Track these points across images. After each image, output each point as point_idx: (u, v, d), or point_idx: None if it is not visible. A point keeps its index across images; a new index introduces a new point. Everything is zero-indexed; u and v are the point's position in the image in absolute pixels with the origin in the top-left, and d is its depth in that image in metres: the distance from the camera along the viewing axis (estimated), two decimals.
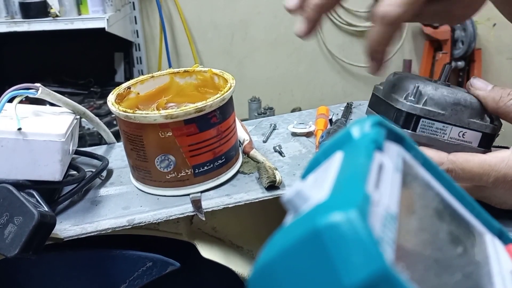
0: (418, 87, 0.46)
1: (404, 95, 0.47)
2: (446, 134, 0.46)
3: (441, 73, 0.49)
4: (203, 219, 0.49)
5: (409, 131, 0.47)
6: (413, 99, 0.46)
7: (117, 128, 0.56)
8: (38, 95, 0.50)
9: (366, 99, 0.85)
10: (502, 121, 0.48)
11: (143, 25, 2.18)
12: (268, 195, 0.51)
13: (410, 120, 0.46)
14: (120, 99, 0.55)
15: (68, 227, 0.47)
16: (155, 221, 0.48)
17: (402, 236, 0.19)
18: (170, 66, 2.15)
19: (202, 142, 0.50)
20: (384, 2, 0.43)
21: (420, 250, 0.21)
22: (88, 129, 1.73)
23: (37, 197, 0.44)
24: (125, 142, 0.52)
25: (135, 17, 2.11)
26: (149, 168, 0.51)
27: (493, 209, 0.49)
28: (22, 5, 1.75)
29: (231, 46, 2.26)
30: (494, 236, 0.28)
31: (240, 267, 0.54)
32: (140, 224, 0.48)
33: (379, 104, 0.53)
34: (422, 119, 0.46)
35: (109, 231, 0.47)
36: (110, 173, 0.58)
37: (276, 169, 0.53)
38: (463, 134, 0.47)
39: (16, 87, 0.48)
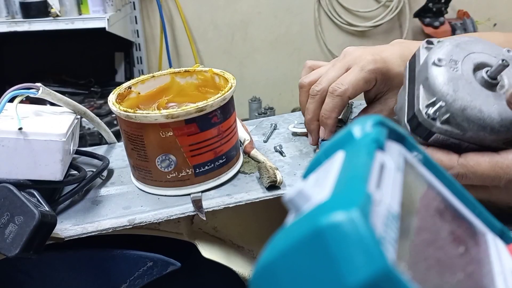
0: (443, 104, 0.40)
1: (429, 101, 0.41)
2: (460, 148, 0.42)
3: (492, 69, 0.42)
4: (204, 219, 0.48)
5: (420, 138, 0.42)
6: (432, 114, 0.41)
7: (117, 128, 0.56)
8: (39, 95, 0.50)
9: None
10: None
11: (143, 25, 2.18)
12: (269, 195, 0.51)
13: (423, 130, 0.42)
14: (121, 98, 0.55)
15: (68, 227, 0.47)
16: (156, 221, 0.48)
17: (404, 236, 0.19)
18: (170, 66, 2.15)
19: (203, 141, 0.50)
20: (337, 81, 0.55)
21: (421, 250, 0.21)
22: (89, 129, 1.73)
23: (38, 196, 0.44)
24: (125, 142, 0.52)
25: (135, 17, 2.11)
26: (150, 168, 0.51)
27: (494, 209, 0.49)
28: (23, 5, 1.75)
29: (231, 46, 2.26)
30: (495, 236, 0.28)
31: (240, 267, 0.54)
32: (141, 224, 0.48)
33: (411, 76, 0.46)
34: (437, 134, 0.41)
35: (109, 231, 0.47)
36: (110, 173, 0.58)
37: (277, 169, 0.53)
38: (478, 150, 0.42)
39: (16, 87, 0.48)
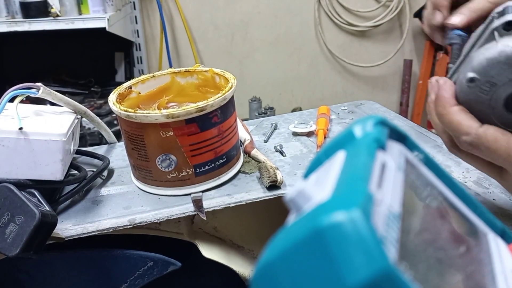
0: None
1: (480, 77, 0.38)
2: (488, 121, 0.39)
3: None
4: (204, 218, 0.48)
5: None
6: (482, 86, 0.38)
7: (118, 127, 0.56)
8: (39, 94, 0.50)
9: (366, 98, 0.85)
10: None
11: (143, 25, 2.18)
12: (269, 194, 0.51)
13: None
14: (121, 98, 0.55)
15: (69, 227, 0.47)
16: (156, 221, 0.48)
17: (405, 236, 0.19)
18: (170, 66, 2.15)
19: (203, 141, 0.50)
20: None
21: (422, 250, 0.21)
22: (89, 128, 1.73)
23: (38, 196, 0.43)
24: (126, 142, 0.52)
25: (135, 16, 2.11)
26: (150, 168, 0.51)
27: (495, 209, 0.49)
28: (23, 5, 1.75)
29: (231, 46, 2.26)
30: (496, 236, 0.28)
31: (241, 266, 0.54)
32: (141, 224, 0.48)
33: (469, 49, 0.41)
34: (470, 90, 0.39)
35: (110, 230, 0.47)
36: (111, 172, 0.58)
37: (277, 168, 0.53)
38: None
39: (17, 87, 0.48)
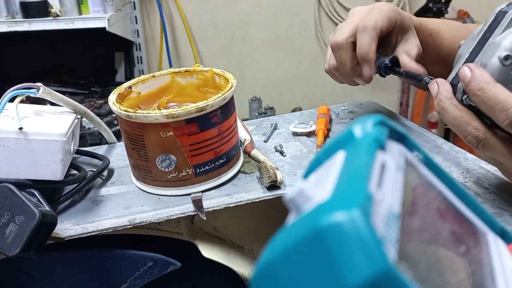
0: None
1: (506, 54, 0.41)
2: None
3: None
4: (204, 218, 0.48)
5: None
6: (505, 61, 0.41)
7: (117, 127, 0.56)
8: (39, 94, 0.50)
9: (366, 99, 0.85)
10: None
11: (143, 25, 2.18)
12: (269, 194, 0.51)
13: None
14: (121, 98, 0.55)
15: (69, 227, 0.47)
16: (156, 221, 0.48)
17: (405, 236, 0.19)
18: (170, 66, 2.15)
19: (203, 141, 0.50)
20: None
21: (422, 250, 0.21)
22: (89, 128, 1.73)
23: (38, 196, 0.43)
24: (126, 142, 0.52)
25: (135, 16, 2.11)
26: (150, 168, 0.51)
27: (495, 209, 0.49)
28: (23, 5, 1.75)
29: (231, 46, 2.26)
30: (496, 236, 0.28)
31: (241, 266, 0.54)
32: (141, 224, 0.48)
33: (487, 33, 0.44)
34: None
35: (110, 230, 0.47)
36: (111, 172, 0.58)
37: (277, 168, 0.53)
38: None
39: (17, 87, 0.48)
